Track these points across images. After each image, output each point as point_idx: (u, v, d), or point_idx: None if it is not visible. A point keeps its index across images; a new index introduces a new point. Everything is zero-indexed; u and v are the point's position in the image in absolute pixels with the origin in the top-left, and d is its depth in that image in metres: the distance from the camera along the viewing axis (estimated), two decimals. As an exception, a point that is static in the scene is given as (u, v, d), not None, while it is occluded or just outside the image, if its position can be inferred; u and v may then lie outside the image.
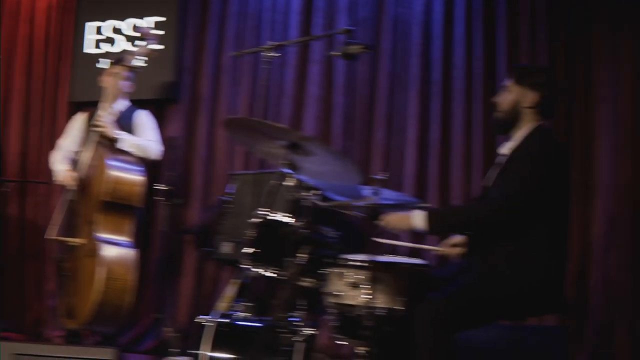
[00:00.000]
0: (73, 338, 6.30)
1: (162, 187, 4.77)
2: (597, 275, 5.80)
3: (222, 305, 5.83)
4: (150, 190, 6.97)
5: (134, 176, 6.16)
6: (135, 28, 7.32)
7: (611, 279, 5.68)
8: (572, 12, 6.09)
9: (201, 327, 4.61)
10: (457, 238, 4.49)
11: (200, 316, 4.67)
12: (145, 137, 6.52)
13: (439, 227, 4.10)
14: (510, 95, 4.27)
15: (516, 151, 4.19)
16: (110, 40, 7.64)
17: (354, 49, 5.03)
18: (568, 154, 5.61)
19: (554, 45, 6.12)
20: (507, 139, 4.33)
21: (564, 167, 4.21)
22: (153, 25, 7.34)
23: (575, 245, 5.84)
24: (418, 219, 4.03)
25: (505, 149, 4.31)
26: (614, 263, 5.68)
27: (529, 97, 4.21)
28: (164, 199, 4.81)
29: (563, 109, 5.99)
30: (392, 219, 4.13)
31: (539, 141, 4.13)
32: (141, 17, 7.51)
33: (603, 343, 5.64)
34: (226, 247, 6.15)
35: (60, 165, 6.58)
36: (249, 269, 4.47)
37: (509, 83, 4.30)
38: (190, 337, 6.40)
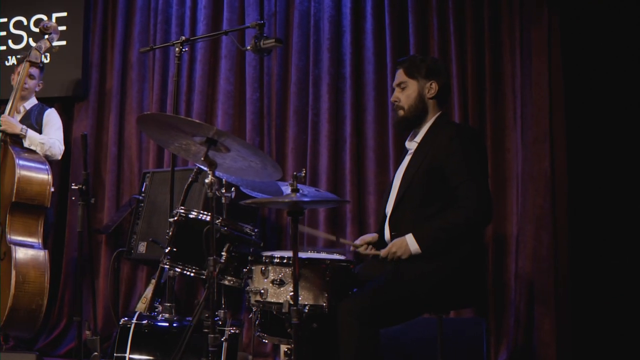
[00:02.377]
0: (-12, 344, 6.15)
1: (76, 186, 4.66)
2: (515, 267, 5.85)
3: (141, 306, 5.76)
4: (61, 190, 6.87)
5: (43, 175, 6.04)
6: (37, 24, 7.13)
7: (530, 270, 5.73)
8: (481, 4, 6.13)
9: (121, 328, 4.54)
10: (370, 236, 4.46)
11: (124, 318, 4.60)
12: (50, 135, 6.41)
13: (429, 247, 4.00)
14: (409, 90, 4.26)
15: (426, 143, 4.20)
16: (15, 37, 7.45)
17: (266, 43, 5.00)
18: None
19: (463, 38, 6.16)
20: (414, 133, 4.35)
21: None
22: (55, 22, 7.17)
23: (492, 237, 5.91)
24: (412, 244, 3.99)
25: (412, 142, 4.33)
26: (532, 254, 5.73)
27: (430, 88, 4.24)
28: (77, 198, 4.70)
29: (474, 101, 6.05)
30: (395, 250, 4.04)
31: (467, 136, 4.16)
32: (48, 14, 7.34)
33: (523, 334, 5.71)
34: (142, 247, 6.07)
35: None
36: (167, 268, 4.40)
37: (403, 79, 4.29)
38: (109, 339, 6.31)
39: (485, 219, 4.03)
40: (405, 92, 4.27)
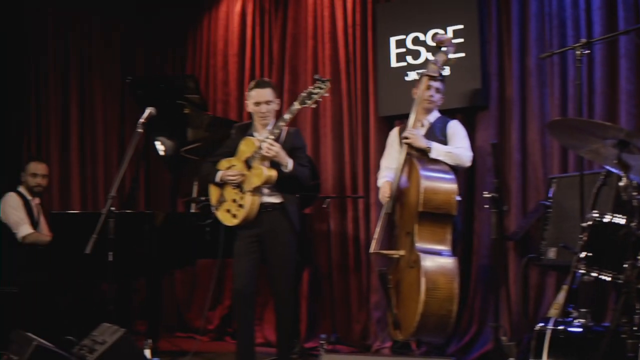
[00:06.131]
0: (401, 349, 6.43)
1: (488, 194, 4.78)
2: None
3: (553, 312, 5.75)
4: (468, 199, 7.04)
5: (449, 185, 6.17)
6: (433, 38, 7.34)
7: None
8: None
9: (538, 334, 4.56)
10: None
11: (540, 323, 4.62)
12: (456, 145, 6.54)
13: None
14: None
15: None
16: (413, 53, 7.76)
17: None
18: None
19: None
20: None
21: None
22: (451, 35, 7.38)
23: None
24: None
25: None
26: None
27: None
28: (490, 206, 4.81)
29: None
30: None
31: None
32: (443, 27, 7.56)
33: None
34: (551, 253, 6.05)
35: (381, 182, 6.71)
36: (582, 273, 4.36)
37: None
38: (520, 345, 6.38)
39: None
40: None
